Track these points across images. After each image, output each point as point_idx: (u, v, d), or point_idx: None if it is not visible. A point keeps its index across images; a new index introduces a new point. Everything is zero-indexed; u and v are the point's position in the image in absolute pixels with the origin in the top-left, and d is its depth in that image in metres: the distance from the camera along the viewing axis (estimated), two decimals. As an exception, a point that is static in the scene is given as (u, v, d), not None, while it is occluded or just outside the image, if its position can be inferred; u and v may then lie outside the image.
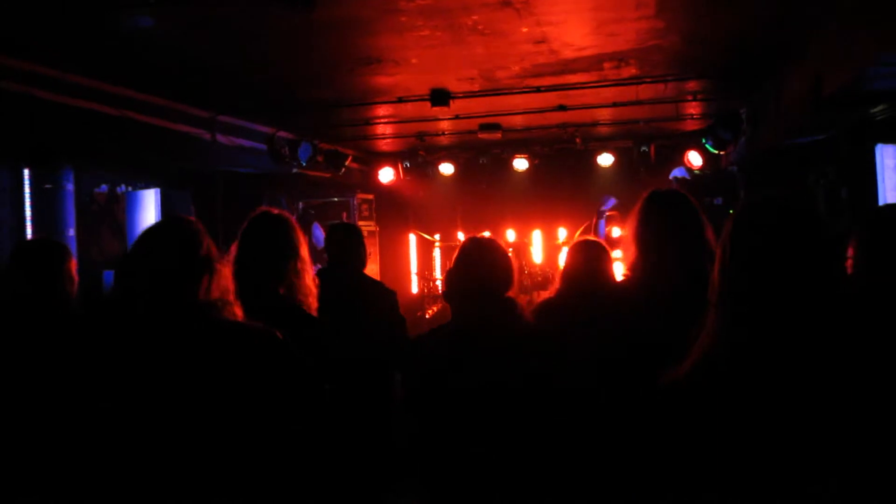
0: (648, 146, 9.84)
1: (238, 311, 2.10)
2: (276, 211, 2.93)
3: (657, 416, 1.68)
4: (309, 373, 2.21)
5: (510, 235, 11.40)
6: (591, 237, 3.69)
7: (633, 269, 2.75)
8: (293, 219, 2.96)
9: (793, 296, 1.45)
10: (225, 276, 2.11)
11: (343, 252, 4.02)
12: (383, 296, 4.03)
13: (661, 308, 2.46)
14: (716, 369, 1.54)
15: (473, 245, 2.77)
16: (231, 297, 2.09)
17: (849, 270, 3.02)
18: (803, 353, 1.42)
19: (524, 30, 5.08)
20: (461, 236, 11.55)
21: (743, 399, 1.45)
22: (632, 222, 2.83)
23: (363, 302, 3.91)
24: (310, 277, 2.86)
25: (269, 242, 2.83)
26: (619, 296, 2.81)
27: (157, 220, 2.21)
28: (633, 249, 2.78)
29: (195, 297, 2.00)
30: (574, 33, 5.26)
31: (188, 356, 1.97)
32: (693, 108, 8.35)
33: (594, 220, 9.04)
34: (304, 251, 2.87)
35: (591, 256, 3.33)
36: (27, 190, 6.32)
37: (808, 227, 1.52)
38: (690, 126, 9.30)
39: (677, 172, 9.40)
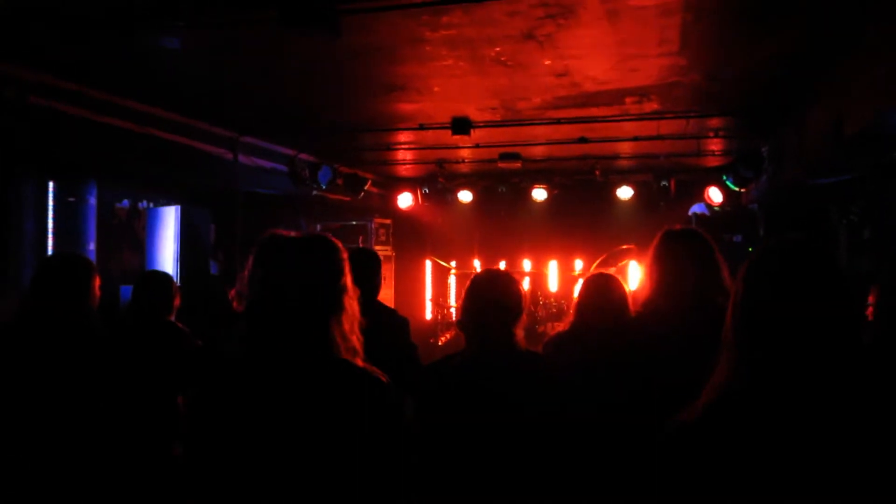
0: (668, 181, 9.83)
1: (358, 345, 1.96)
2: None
3: (665, 456, 1.66)
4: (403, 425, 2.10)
5: (526, 265, 11.38)
6: (607, 270, 3.67)
7: (647, 305, 2.74)
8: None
9: (806, 343, 1.43)
10: (354, 309, 1.99)
11: (357, 278, 4.02)
12: (395, 323, 4.03)
13: (674, 346, 2.44)
14: (726, 414, 1.51)
15: (484, 277, 2.80)
16: (356, 330, 1.97)
17: (869, 317, 2.99)
18: (815, 402, 1.39)
19: (546, 62, 5.12)
20: (477, 264, 11.56)
21: (752, 447, 1.42)
22: (647, 259, 2.83)
23: (375, 328, 3.89)
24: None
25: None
26: (632, 332, 2.79)
27: (298, 237, 2.07)
28: (647, 286, 2.77)
29: (326, 331, 1.89)
30: (596, 67, 5.28)
31: (305, 395, 1.85)
32: (714, 145, 8.33)
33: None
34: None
35: (605, 290, 3.31)
36: (51, 202, 6.41)
37: (824, 273, 1.49)
38: (711, 162, 9.28)
39: (697, 208, 9.37)
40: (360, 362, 1.94)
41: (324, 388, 1.87)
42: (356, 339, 1.96)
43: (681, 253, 2.71)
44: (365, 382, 1.89)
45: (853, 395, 1.39)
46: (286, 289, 1.93)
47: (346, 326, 1.93)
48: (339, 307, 1.95)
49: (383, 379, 1.92)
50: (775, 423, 1.42)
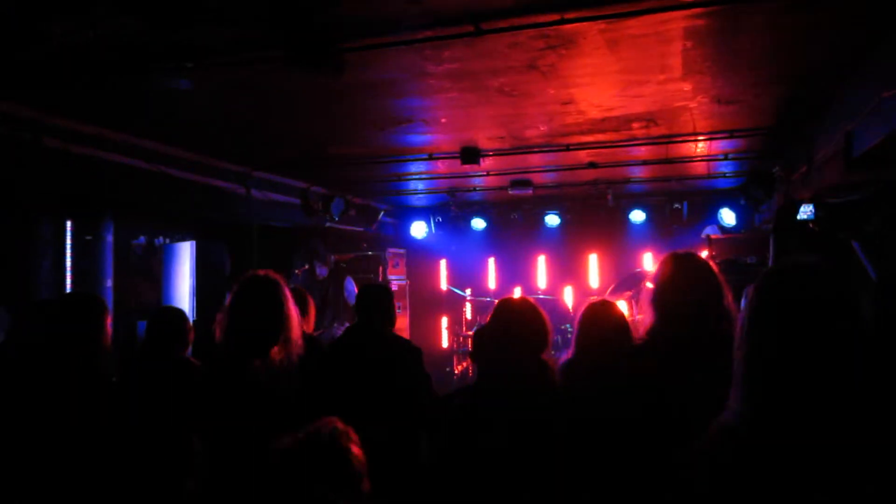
0: (681, 203, 9.82)
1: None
2: (262, 273, 3.10)
3: (673, 488, 1.64)
4: None
5: (541, 291, 11.36)
6: (607, 298, 3.64)
7: (650, 332, 2.71)
8: (282, 280, 3.19)
9: (812, 377, 1.39)
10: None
11: (372, 312, 4.08)
12: (409, 354, 4.04)
13: (676, 375, 2.43)
14: (733, 446, 1.47)
15: (509, 306, 2.80)
16: None
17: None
18: (819, 435, 1.36)
19: (551, 91, 5.16)
20: (492, 287, 11.56)
21: (758, 483, 1.40)
22: (650, 284, 2.81)
23: (388, 359, 3.94)
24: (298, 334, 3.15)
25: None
26: (635, 360, 2.77)
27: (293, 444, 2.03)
28: (650, 313, 2.74)
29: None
30: (600, 95, 5.32)
31: None
32: (725, 166, 8.32)
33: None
34: (293, 311, 3.15)
35: (600, 320, 3.27)
36: (68, 241, 6.52)
37: (830, 307, 1.43)
38: (723, 183, 9.27)
39: (710, 230, 9.32)
40: None
41: None
42: None
43: (680, 277, 2.69)
44: None
45: (858, 430, 1.34)
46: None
47: None
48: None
49: None
50: (781, 460, 1.39)
